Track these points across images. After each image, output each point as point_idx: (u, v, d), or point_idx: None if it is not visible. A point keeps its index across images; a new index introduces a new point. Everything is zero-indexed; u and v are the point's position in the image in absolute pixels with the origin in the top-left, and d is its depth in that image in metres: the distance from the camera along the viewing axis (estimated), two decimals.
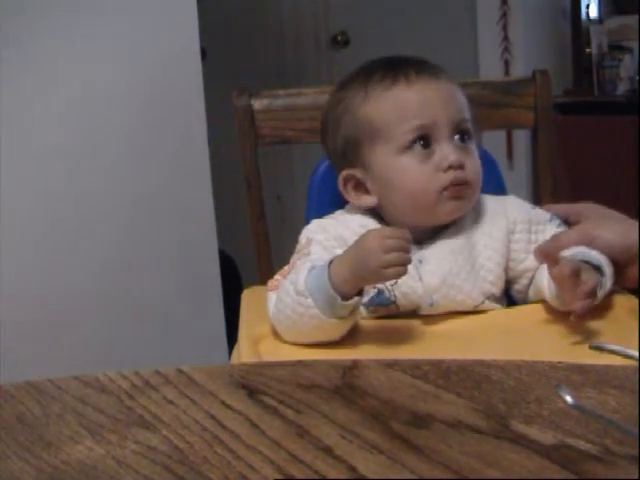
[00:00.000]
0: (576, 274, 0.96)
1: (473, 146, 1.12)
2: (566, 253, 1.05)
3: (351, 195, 1.15)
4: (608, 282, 1.04)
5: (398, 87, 1.10)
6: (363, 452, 0.61)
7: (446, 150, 1.08)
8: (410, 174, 1.09)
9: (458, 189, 1.08)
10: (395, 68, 1.12)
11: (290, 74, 3.36)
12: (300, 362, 0.81)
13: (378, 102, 1.11)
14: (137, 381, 0.77)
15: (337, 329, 1.00)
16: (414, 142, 1.09)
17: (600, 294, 1.02)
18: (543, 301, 1.07)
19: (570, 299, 0.98)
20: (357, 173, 1.13)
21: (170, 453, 0.63)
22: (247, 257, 1.52)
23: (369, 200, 1.13)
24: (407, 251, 0.97)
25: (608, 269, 1.05)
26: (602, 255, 1.06)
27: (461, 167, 1.08)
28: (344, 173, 1.14)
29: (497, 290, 1.12)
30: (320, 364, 0.79)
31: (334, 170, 1.19)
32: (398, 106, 1.10)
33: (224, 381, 0.76)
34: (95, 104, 1.86)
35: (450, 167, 1.08)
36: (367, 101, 1.11)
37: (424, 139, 1.09)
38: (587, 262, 1.03)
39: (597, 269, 1.03)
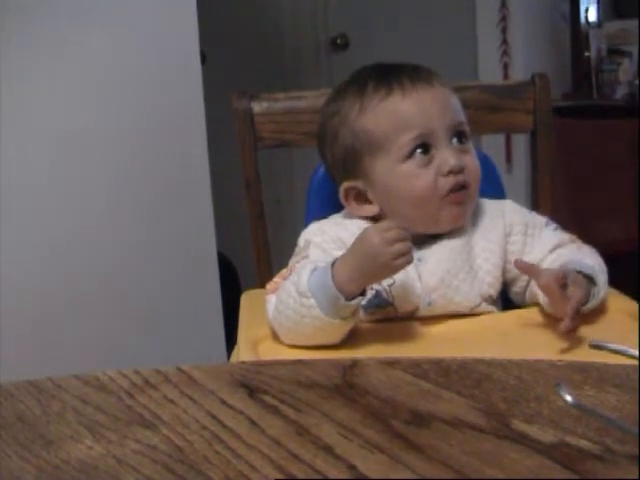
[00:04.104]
0: (561, 286, 0.97)
1: (470, 145, 1.13)
2: (560, 261, 1.06)
3: (353, 206, 1.15)
4: (601, 291, 1.05)
5: (394, 97, 1.10)
6: (363, 451, 0.61)
7: (446, 155, 1.09)
8: (413, 180, 1.09)
9: (458, 195, 1.09)
10: (388, 77, 1.12)
11: (290, 77, 3.36)
12: (300, 361, 0.81)
13: (375, 114, 1.11)
14: (137, 380, 0.77)
15: (338, 330, 1.01)
16: (414, 150, 1.09)
17: (592, 303, 1.03)
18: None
19: (558, 311, 0.99)
20: (358, 184, 1.13)
21: (170, 452, 0.63)
22: (246, 260, 1.52)
23: (371, 209, 1.14)
24: (408, 239, 0.98)
25: (602, 277, 1.05)
26: (597, 262, 1.07)
27: (461, 171, 1.09)
28: (345, 185, 1.14)
29: (494, 292, 1.12)
30: (320, 363, 0.80)
31: (333, 180, 1.19)
32: (396, 117, 1.10)
33: (224, 380, 0.76)
34: (95, 107, 1.86)
35: (450, 172, 1.08)
36: (364, 113, 1.11)
37: (424, 146, 1.09)
38: (579, 272, 1.03)
39: (589, 279, 1.03)
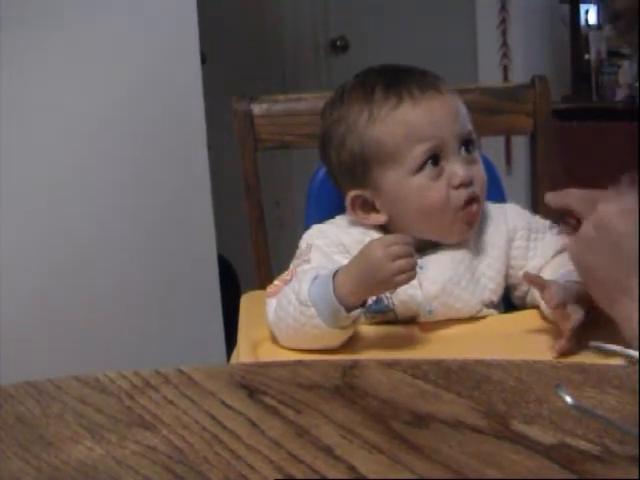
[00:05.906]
0: (562, 306, 0.97)
1: (477, 154, 1.12)
2: (564, 270, 1.06)
3: (359, 215, 1.13)
4: None
5: (404, 107, 1.08)
6: (363, 452, 0.61)
7: (455, 167, 1.08)
8: (425, 192, 1.08)
9: (471, 210, 1.08)
10: (396, 84, 1.10)
11: (289, 79, 3.37)
12: (300, 362, 0.81)
13: (385, 124, 1.08)
14: (137, 381, 0.77)
15: (338, 338, 1.00)
16: (425, 162, 1.08)
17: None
18: None
19: (558, 323, 0.99)
20: (365, 193, 1.11)
21: (170, 453, 0.63)
22: (246, 262, 1.52)
23: (378, 218, 1.12)
24: (412, 255, 0.97)
25: None
26: None
27: (471, 183, 1.08)
28: (352, 194, 1.12)
29: (496, 297, 1.12)
30: (320, 364, 0.80)
31: (337, 187, 1.18)
32: (407, 128, 1.08)
33: (224, 381, 0.77)
34: (95, 109, 1.86)
35: (461, 184, 1.08)
36: (373, 122, 1.09)
37: (434, 158, 1.08)
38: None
39: None
